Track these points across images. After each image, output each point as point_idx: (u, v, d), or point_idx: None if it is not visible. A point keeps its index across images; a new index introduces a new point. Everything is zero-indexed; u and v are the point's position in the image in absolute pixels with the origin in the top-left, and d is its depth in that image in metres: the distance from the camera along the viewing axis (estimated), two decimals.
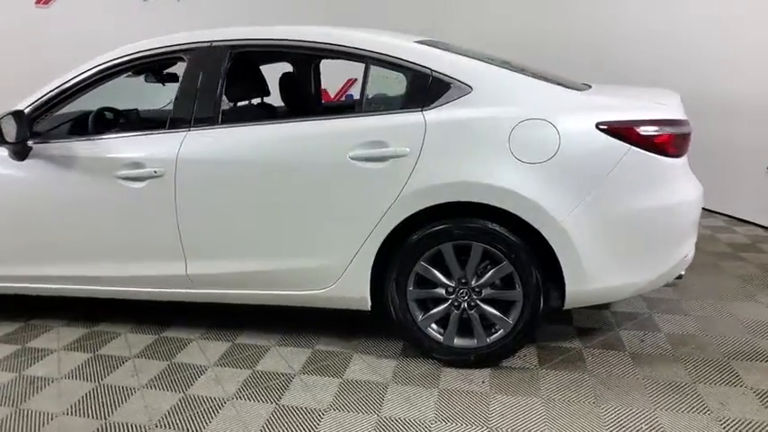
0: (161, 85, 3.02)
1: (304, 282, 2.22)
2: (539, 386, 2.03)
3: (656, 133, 1.91)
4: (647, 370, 2.09)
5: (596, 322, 2.50)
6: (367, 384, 2.08)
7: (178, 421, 1.90)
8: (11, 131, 2.15)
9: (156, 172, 2.16)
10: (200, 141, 2.16)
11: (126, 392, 2.07)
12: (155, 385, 2.12)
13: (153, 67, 2.60)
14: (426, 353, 2.22)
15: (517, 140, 1.92)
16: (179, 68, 2.44)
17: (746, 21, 3.72)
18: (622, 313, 2.57)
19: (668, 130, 1.94)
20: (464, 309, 2.12)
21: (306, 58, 3.19)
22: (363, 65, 2.13)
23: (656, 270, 2.03)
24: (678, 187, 1.98)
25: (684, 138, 1.99)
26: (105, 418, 1.92)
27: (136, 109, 3.19)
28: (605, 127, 1.91)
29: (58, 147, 2.30)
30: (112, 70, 2.33)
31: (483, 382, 2.06)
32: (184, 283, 2.33)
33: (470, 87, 2.02)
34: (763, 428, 1.75)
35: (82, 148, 2.28)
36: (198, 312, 2.65)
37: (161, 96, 3.21)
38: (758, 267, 3.09)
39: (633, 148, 1.89)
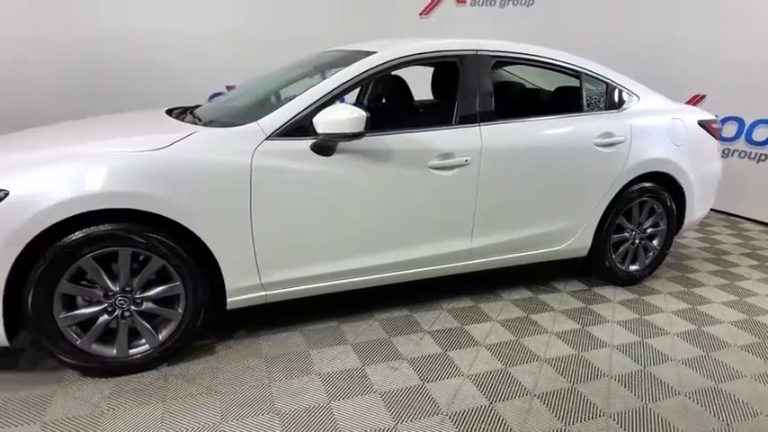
0: None
1: (553, 240, 2.92)
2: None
3: (716, 126, 3.36)
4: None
5: None
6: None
7: None
8: (352, 124, 2.11)
9: (466, 161, 2.50)
10: (493, 134, 2.59)
11: None
12: None
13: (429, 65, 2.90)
14: (611, 279, 3.22)
15: (670, 131, 3.09)
16: None
17: None
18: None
19: (718, 124, 3.41)
20: (632, 242, 3.19)
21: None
22: (578, 78, 2.96)
23: (709, 207, 3.50)
24: (718, 158, 3.47)
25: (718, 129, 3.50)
26: None
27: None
28: (701, 123, 3.25)
29: (368, 141, 2.31)
30: (395, 67, 2.47)
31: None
32: (464, 257, 2.69)
33: (638, 97, 3.09)
34: None
35: (393, 141, 2.37)
36: None
37: None
38: None
39: (709, 135, 3.30)
